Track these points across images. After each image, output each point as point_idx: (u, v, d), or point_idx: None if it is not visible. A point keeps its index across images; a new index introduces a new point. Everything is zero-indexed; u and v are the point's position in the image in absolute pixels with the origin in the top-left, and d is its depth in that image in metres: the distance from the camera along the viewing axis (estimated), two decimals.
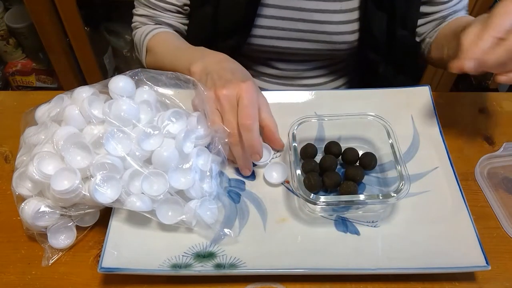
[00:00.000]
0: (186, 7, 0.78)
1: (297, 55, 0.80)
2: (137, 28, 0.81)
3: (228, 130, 0.57)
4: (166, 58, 0.72)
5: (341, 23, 0.73)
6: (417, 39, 0.80)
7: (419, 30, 0.78)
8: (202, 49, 0.67)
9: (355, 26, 0.74)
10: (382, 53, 0.77)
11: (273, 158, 0.62)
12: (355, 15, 0.73)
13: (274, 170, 0.60)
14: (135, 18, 0.81)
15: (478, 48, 0.51)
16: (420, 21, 0.77)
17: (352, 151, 0.61)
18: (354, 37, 0.75)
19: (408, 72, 0.82)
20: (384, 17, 0.72)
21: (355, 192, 0.55)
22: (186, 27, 0.80)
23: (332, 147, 0.61)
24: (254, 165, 0.61)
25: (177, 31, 0.80)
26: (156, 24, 0.79)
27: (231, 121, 0.57)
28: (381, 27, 0.73)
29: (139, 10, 0.80)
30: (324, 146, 0.62)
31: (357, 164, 0.61)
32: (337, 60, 0.83)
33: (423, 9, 0.76)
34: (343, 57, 0.82)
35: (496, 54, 0.51)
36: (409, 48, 0.79)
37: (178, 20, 0.79)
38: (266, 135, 0.60)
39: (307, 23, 0.74)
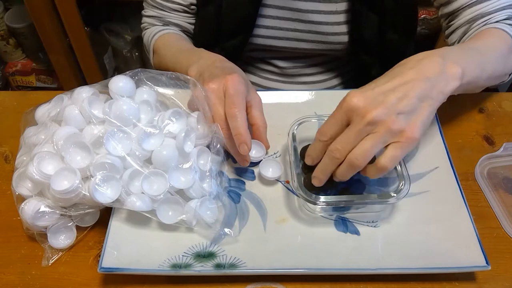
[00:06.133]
0: (193, 7, 0.78)
1: (295, 53, 0.80)
2: (146, 29, 0.81)
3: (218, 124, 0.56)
4: (169, 60, 0.73)
5: (336, 24, 0.73)
6: None
7: (449, 40, 0.70)
8: (199, 52, 0.68)
9: (349, 27, 0.74)
10: (374, 55, 0.77)
11: (272, 157, 0.62)
12: (349, 16, 0.73)
13: (271, 166, 0.60)
14: (144, 19, 0.82)
15: None
16: (447, 31, 0.70)
17: None
18: (348, 38, 0.75)
19: None
20: (375, 20, 0.72)
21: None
22: (193, 27, 0.81)
23: None
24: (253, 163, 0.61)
25: (185, 31, 0.81)
26: (164, 24, 0.79)
27: (219, 113, 0.57)
28: (372, 30, 0.73)
29: (147, 11, 0.80)
30: None
31: None
32: (335, 58, 0.83)
33: (445, 10, 0.69)
34: (342, 56, 0.82)
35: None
36: (400, 52, 0.78)
37: (185, 20, 0.80)
38: (254, 134, 0.59)
39: (304, 24, 0.74)
